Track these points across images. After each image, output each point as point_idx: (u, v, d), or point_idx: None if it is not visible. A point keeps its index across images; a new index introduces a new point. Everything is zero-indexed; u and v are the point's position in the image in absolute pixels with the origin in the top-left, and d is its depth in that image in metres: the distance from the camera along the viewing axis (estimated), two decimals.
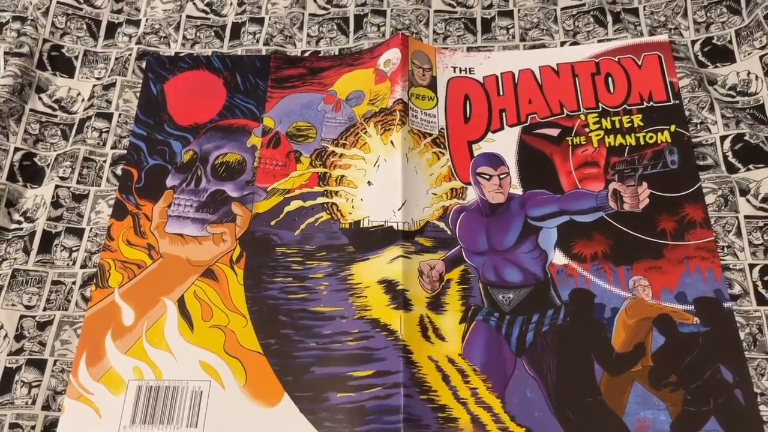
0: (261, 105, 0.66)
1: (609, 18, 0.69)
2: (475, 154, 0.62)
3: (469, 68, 0.67)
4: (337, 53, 0.69)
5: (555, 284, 0.56)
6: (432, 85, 0.66)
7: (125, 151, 0.64)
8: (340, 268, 0.57)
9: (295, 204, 0.61)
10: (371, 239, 0.58)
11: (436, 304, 0.55)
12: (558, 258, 0.57)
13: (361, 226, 0.59)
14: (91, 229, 0.60)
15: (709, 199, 0.58)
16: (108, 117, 0.66)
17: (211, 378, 0.53)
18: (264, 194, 0.61)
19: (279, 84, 0.68)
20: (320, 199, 0.61)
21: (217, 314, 0.56)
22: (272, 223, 0.60)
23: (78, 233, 0.60)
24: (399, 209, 0.58)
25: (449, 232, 0.58)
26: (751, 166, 0.59)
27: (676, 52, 0.65)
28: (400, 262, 0.55)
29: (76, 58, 0.70)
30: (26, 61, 0.67)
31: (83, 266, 0.58)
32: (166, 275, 0.57)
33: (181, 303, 0.56)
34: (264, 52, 0.69)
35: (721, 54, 0.66)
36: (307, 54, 0.70)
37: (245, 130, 0.65)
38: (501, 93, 0.65)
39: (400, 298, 0.54)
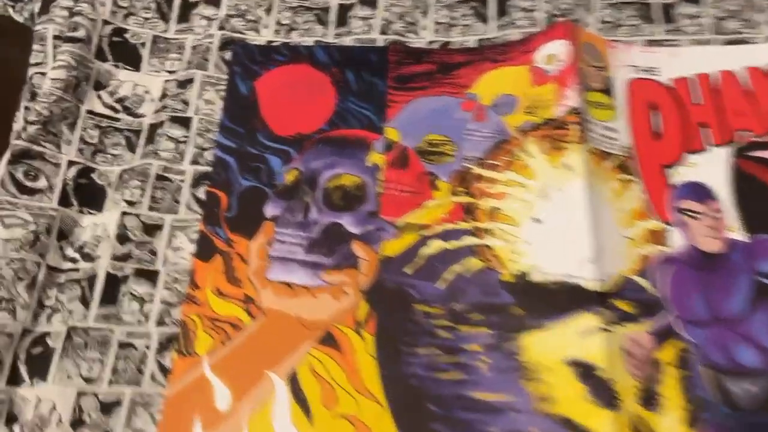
0: (380, 111, 0.52)
1: None
2: (673, 182, 0.48)
3: (652, 68, 0.52)
4: (474, 45, 0.55)
5: None
6: (608, 90, 0.51)
7: (210, 168, 0.50)
8: (506, 338, 0.42)
9: (436, 245, 0.47)
10: (548, 299, 0.43)
11: (648, 398, 0.40)
12: None
13: (530, 279, 0.45)
14: (169, 272, 0.47)
15: None
16: (185, 123, 0.52)
17: None
18: (393, 231, 0.47)
19: (401, 84, 0.53)
20: (468, 240, 0.47)
21: (342, 398, 0.41)
22: (407, 270, 0.46)
23: (151, 277, 0.46)
24: (590, 260, 0.43)
25: (653, 293, 0.44)
26: None
27: None
28: (600, 338, 0.41)
29: (143, 45, 0.56)
30: (82, 49, 0.54)
31: (160, 323, 0.44)
32: (272, 340, 0.43)
33: (293, 381, 0.42)
34: (381, 43, 0.56)
35: None
36: (434, 46, 0.56)
37: (363, 143, 0.51)
38: (698, 101, 0.51)
39: (604, 391, 0.39)
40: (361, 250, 0.46)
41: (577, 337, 0.41)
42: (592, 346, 0.40)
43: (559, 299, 0.42)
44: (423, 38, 0.55)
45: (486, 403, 0.40)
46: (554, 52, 0.50)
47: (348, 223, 0.47)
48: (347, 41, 0.55)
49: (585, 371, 0.40)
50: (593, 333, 0.40)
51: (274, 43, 0.55)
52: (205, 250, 0.46)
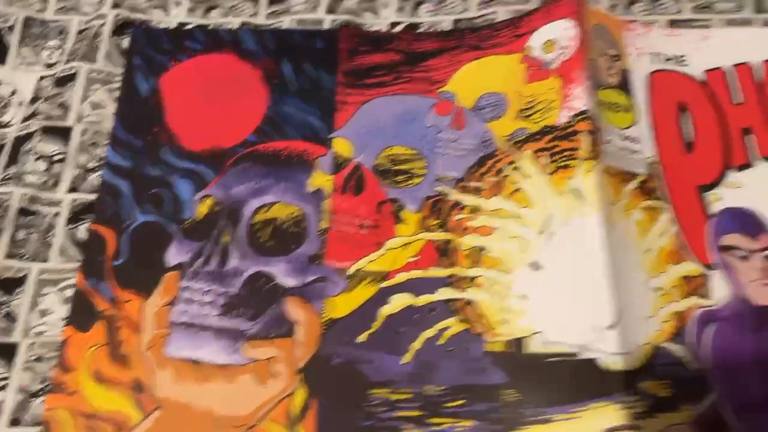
0: (328, 116, 0.40)
1: None
2: (712, 210, 0.37)
3: (679, 56, 0.41)
4: (450, 27, 0.44)
5: None
6: (625, 86, 0.40)
7: (94, 196, 0.38)
8: None
9: (400, 301, 0.35)
10: (554, 380, 0.32)
11: None
12: None
13: (527, 350, 0.34)
14: (31, 345, 0.35)
15: None
16: (63, 134, 0.39)
17: None
18: (343, 282, 0.36)
19: (356, 79, 0.41)
20: (445, 293, 0.36)
21: None
22: (360, 338, 0.34)
23: (6, 355, 0.34)
24: (611, 326, 0.33)
25: (692, 366, 0.33)
26: None
27: None
28: None
29: (11, 30, 0.44)
30: None
31: (14, 423, 0.33)
32: None
33: None
34: (329, 25, 0.44)
35: None
36: (398, 29, 0.44)
37: (304, 161, 0.39)
38: (738, 101, 0.40)
39: None
40: (298, 311, 0.34)
41: None
42: None
43: (569, 381, 0.31)
44: (383, 19, 0.43)
45: None
46: (555, 37, 0.38)
47: (281, 271, 0.35)
48: (285, 23, 0.43)
49: None
50: None
51: (187, 26, 0.43)
52: (81, 314, 0.33)
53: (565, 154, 0.35)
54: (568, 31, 0.38)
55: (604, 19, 0.40)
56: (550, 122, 0.36)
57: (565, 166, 0.35)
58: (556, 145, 0.36)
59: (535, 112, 0.37)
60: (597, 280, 0.32)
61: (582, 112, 0.35)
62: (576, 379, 0.31)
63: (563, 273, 0.33)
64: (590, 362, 0.31)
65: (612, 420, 0.29)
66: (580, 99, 0.36)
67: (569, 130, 0.35)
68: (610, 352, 0.30)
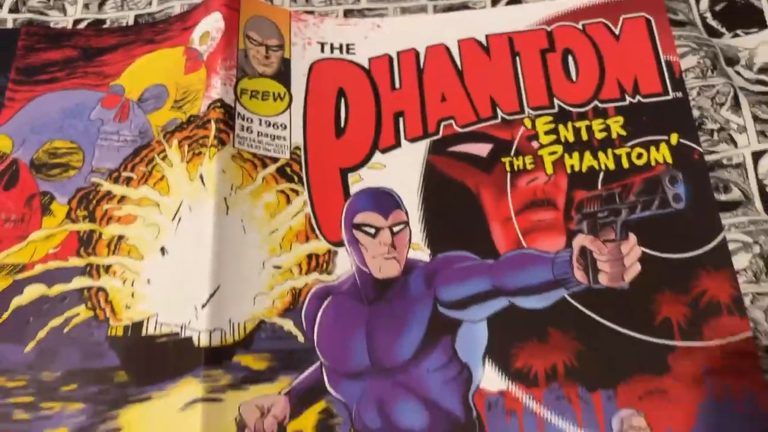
0: None
1: None
2: (352, 191, 0.39)
3: (347, 45, 0.42)
4: (131, 23, 0.44)
5: (485, 429, 0.33)
6: (282, 74, 0.41)
7: None
8: (101, 417, 0.33)
9: (33, 291, 0.35)
10: (157, 360, 0.33)
11: None
12: (490, 379, 0.33)
13: (144, 333, 0.34)
14: None
15: (741, 261, 0.34)
16: None
17: None
18: None
19: (29, 77, 0.41)
20: (79, 281, 0.36)
21: None
22: None
23: None
24: (204, 304, 0.34)
25: (301, 339, 0.35)
26: None
27: (673, 12, 0.43)
28: (199, 412, 0.31)
29: None
30: None
31: None
32: None
33: None
34: (12, 24, 0.44)
35: (744, 14, 0.43)
36: (82, 26, 0.44)
37: None
38: (397, 86, 0.41)
39: None
40: None
41: (178, 410, 0.31)
42: (191, 422, 0.30)
43: (167, 360, 0.32)
44: (69, 16, 0.43)
45: None
46: (208, 29, 0.40)
47: None
48: None
49: None
50: (192, 405, 0.31)
51: None
52: None
53: (200, 141, 0.36)
54: (218, 23, 0.39)
55: (267, 11, 0.41)
56: (194, 112, 0.37)
57: (199, 153, 0.36)
58: (196, 133, 0.37)
59: (186, 103, 0.38)
60: (201, 261, 0.33)
61: (215, 101, 0.37)
62: (174, 358, 0.32)
63: (180, 257, 0.34)
64: (188, 340, 0.32)
65: (191, 394, 0.30)
66: (215, 88, 0.37)
67: (205, 118, 0.37)
68: (200, 330, 0.32)
